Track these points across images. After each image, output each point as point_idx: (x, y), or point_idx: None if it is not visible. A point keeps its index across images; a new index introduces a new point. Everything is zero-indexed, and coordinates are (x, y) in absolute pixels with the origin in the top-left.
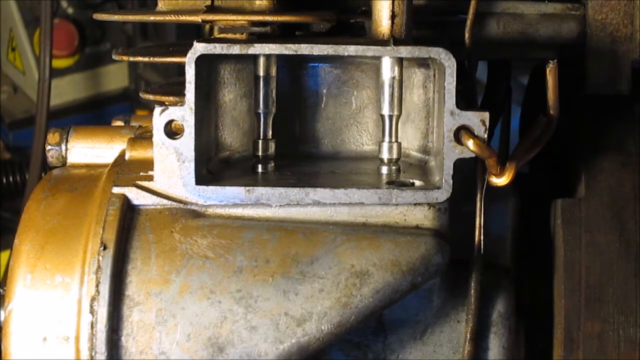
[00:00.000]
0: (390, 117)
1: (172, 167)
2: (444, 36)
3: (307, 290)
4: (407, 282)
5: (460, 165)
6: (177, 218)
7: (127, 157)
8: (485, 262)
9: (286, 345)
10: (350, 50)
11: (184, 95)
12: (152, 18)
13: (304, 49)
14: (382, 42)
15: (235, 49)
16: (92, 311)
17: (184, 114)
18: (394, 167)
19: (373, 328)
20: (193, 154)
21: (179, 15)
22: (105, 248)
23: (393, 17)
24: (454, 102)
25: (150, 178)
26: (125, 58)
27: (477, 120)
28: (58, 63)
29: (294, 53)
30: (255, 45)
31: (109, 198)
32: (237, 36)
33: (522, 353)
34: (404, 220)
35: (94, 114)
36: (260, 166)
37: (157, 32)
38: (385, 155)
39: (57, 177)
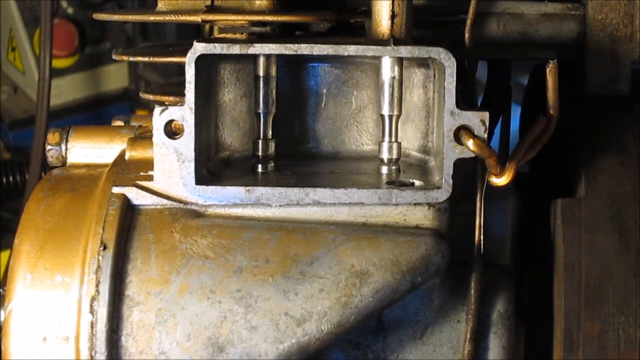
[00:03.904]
0: (390, 117)
1: (172, 167)
2: (444, 36)
3: (307, 290)
4: (407, 282)
5: (460, 166)
6: (177, 218)
7: (127, 157)
8: (485, 262)
9: (286, 345)
10: (350, 50)
11: (183, 95)
12: (152, 18)
13: (304, 49)
14: (382, 42)
15: (235, 49)
16: (92, 311)
17: (184, 114)
18: (393, 167)
19: (373, 328)
20: (193, 154)
21: (179, 15)
22: (105, 248)
23: (393, 17)
24: (454, 102)
25: (150, 178)
26: (125, 58)
27: (477, 120)
28: (58, 63)
29: (294, 53)
30: (255, 45)
31: (109, 198)
32: (237, 36)
33: (522, 353)
34: (404, 220)
35: (94, 114)
36: (260, 166)
37: (157, 32)
38: (385, 155)
39: (57, 177)
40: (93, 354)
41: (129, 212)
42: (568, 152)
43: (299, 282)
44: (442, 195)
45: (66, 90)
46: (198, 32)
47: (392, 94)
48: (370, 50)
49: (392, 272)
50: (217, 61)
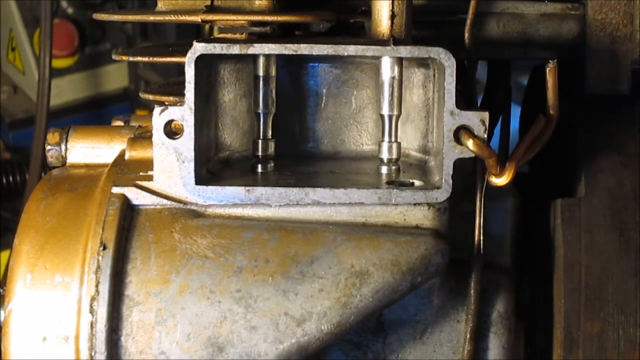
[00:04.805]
0: (390, 117)
1: (171, 167)
2: (444, 36)
3: (307, 290)
4: (406, 282)
5: (460, 165)
6: (177, 218)
7: (126, 157)
8: (485, 262)
9: (286, 345)
10: (350, 50)
11: (183, 95)
12: (152, 18)
13: (304, 48)
14: (382, 42)
15: (235, 49)
16: (91, 311)
17: (184, 113)
18: (393, 167)
19: (373, 328)
20: (193, 153)
21: (179, 15)
22: (104, 248)
23: (393, 17)
24: (454, 102)
25: (150, 178)
26: (125, 58)
27: (477, 120)
28: (58, 63)
29: (294, 53)
30: (255, 45)
31: (109, 198)
32: (237, 36)
33: (522, 353)
34: (404, 220)
35: (94, 114)
36: (260, 166)
37: (157, 32)
38: (385, 155)
39: (57, 177)
40: (93, 354)
41: (128, 212)
42: (568, 152)
43: (299, 282)
44: (441, 195)
45: (66, 90)
46: (198, 32)
47: (391, 94)
48: (370, 50)
49: (392, 272)
50: (217, 61)
